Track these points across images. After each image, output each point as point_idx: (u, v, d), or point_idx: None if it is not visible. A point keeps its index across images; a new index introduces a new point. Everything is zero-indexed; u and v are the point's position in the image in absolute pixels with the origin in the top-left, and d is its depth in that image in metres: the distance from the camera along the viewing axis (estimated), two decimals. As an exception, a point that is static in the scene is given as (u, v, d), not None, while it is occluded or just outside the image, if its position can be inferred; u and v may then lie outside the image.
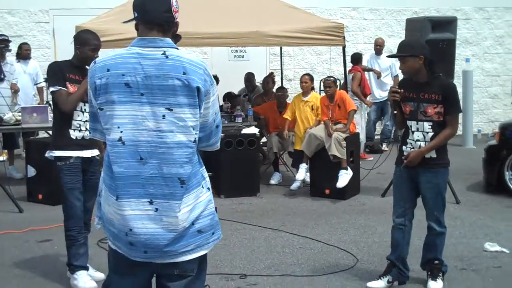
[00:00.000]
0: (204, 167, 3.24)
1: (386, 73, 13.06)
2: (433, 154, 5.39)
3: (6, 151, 11.05)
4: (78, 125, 5.60)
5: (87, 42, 5.56)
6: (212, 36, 9.12)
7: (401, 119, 5.59)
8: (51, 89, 5.59)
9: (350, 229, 7.57)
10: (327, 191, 9.16)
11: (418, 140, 5.41)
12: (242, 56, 14.53)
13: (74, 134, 5.59)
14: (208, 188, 3.22)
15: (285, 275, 6.03)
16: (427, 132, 5.38)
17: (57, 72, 5.61)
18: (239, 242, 7.06)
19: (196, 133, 3.10)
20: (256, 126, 10.15)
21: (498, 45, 16.37)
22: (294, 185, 9.54)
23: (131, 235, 3.09)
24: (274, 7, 10.50)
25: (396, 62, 13.35)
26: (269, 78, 11.86)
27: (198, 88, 3.04)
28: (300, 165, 9.60)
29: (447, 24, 9.01)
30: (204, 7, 9.35)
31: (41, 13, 13.96)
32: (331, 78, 9.73)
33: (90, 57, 5.44)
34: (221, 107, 10.98)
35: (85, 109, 5.58)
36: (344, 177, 8.97)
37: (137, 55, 3.09)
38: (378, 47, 13.25)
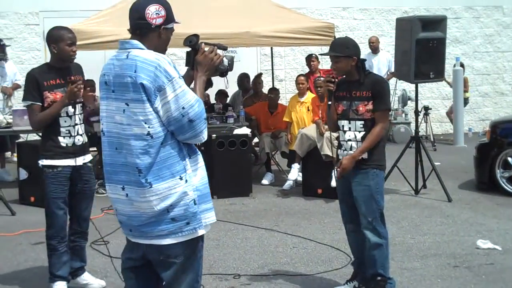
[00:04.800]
0: (187, 160, 3.49)
1: (386, 71, 13.11)
2: (364, 155, 5.12)
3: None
4: (67, 131, 5.34)
5: (61, 38, 5.26)
6: (203, 37, 9.08)
7: (334, 118, 5.34)
8: (23, 103, 5.35)
9: (343, 228, 7.54)
10: (319, 191, 9.17)
11: (349, 140, 5.20)
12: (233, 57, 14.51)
13: (64, 141, 5.33)
14: (187, 181, 3.45)
15: (279, 274, 6.04)
16: (359, 132, 5.16)
17: (29, 84, 5.30)
18: (232, 242, 7.06)
19: (149, 127, 3.36)
20: (248, 127, 10.15)
21: (488, 44, 16.44)
22: (287, 185, 9.56)
23: (118, 215, 3.65)
24: (265, 8, 10.51)
25: (393, 59, 13.46)
26: (259, 79, 11.88)
27: (142, 85, 3.32)
28: (292, 165, 9.62)
29: (437, 23, 9.06)
30: (194, 8, 9.33)
31: (31, 15, 13.95)
32: (322, 78, 9.74)
33: (69, 53, 5.30)
34: (212, 107, 10.98)
35: (73, 112, 5.37)
36: (337, 176, 8.97)
37: (113, 57, 3.53)
38: (372, 44, 13.31)
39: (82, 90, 5.38)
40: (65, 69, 5.40)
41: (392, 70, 13.20)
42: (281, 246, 6.96)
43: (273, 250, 6.80)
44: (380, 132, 5.11)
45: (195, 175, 3.53)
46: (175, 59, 12.50)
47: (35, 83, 5.28)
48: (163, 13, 3.50)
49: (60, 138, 5.33)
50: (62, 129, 5.33)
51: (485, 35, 16.43)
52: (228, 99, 12.02)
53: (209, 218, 3.59)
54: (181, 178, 3.44)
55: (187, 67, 3.76)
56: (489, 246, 6.68)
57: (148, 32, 3.49)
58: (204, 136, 3.49)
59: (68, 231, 5.62)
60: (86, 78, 5.77)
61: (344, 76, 5.29)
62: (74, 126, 5.37)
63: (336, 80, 5.27)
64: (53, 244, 5.42)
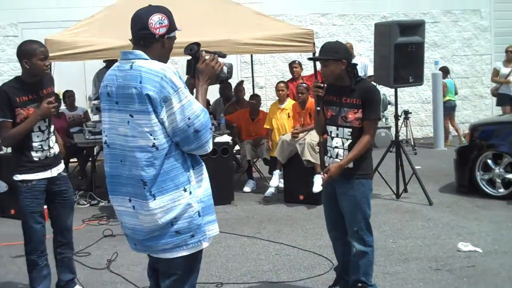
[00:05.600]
0: (191, 171, 3.46)
1: (361, 75, 13.12)
2: (350, 165, 5.04)
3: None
4: (39, 146, 5.24)
5: (34, 53, 5.10)
6: (182, 45, 9.11)
7: (322, 122, 5.30)
8: None
9: (325, 234, 7.51)
10: (301, 197, 9.19)
11: (336, 147, 5.11)
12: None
13: (37, 155, 5.23)
14: (191, 193, 3.43)
15: (262, 282, 6.05)
16: (346, 139, 5.06)
17: (0, 101, 5.12)
18: (214, 250, 7.05)
19: (154, 138, 3.32)
20: (229, 134, 10.15)
21: (466, 47, 16.56)
22: (268, 192, 9.56)
23: (123, 228, 3.62)
24: (244, 15, 10.52)
25: (368, 64, 13.51)
26: (240, 87, 11.89)
27: (148, 96, 3.28)
28: (274, 172, 9.63)
29: (415, 27, 9.13)
30: (174, 16, 9.30)
31: (9, 27, 13.88)
32: (304, 84, 9.79)
33: (42, 67, 5.17)
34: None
35: (46, 127, 5.28)
36: (319, 182, 8.99)
37: (115, 68, 3.49)
38: None
39: (55, 107, 5.28)
40: (37, 83, 5.28)
41: (368, 74, 13.28)
42: (263, 253, 6.96)
43: (255, 258, 6.80)
44: (368, 142, 5.04)
45: (199, 187, 3.52)
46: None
47: (6, 99, 5.11)
48: (166, 22, 3.49)
49: (33, 153, 5.24)
50: (34, 144, 5.23)
51: (463, 39, 16.55)
52: (210, 107, 12.01)
53: (212, 230, 3.59)
54: (185, 190, 3.42)
55: (187, 75, 3.77)
56: (470, 248, 6.73)
57: (152, 42, 3.47)
58: (210, 146, 3.47)
59: (53, 244, 5.58)
60: (66, 89, 5.73)
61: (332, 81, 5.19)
62: (46, 140, 5.29)
63: (324, 85, 5.21)
64: (32, 259, 5.36)
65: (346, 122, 5.06)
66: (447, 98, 14.39)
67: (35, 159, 5.25)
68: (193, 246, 3.48)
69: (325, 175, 5.05)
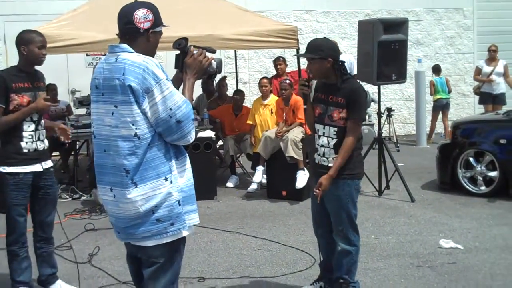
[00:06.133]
0: (173, 161, 3.55)
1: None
2: None
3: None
4: (30, 136, 5.27)
5: (32, 40, 5.25)
6: (166, 40, 9.07)
7: (311, 120, 5.23)
8: None
9: (307, 230, 7.59)
10: (284, 193, 9.20)
11: (323, 146, 5.08)
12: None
13: (26, 146, 5.25)
14: (172, 182, 3.52)
15: (244, 277, 6.05)
16: (332, 138, 5.01)
17: None
18: (197, 245, 7.04)
19: (136, 128, 3.43)
20: (212, 130, 10.14)
21: (449, 46, 16.65)
22: (251, 188, 9.56)
23: (109, 216, 3.73)
24: (228, 11, 10.51)
25: (354, 61, 13.52)
26: (223, 82, 11.88)
27: (130, 87, 3.39)
28: (257, 168, 9.63)
29: (399, 25, 9.16)
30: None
31: (-11, 19, 13.78)
32: (287, 80, 9.80)
33: (38, 55, 5.28)
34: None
35: (38, 117, 5.33)
36: (302, 178, 9.01)
37: (103, 61, 3.60)
38: None
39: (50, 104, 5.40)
40: (33, 73, 5.38)
41: (354, 72, 13.31)
42: (246, 248, 6.96)
43: (238, 253, 6.80)
44: (352, 145, 4.95)
45: (181, 177, 3.61)
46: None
47: (3, 84, 5.19)
48: (150, 17, 3.58)
49: (22, 144, 5.25)
50: (25, 134, 5.26)
51: (446, 37, 16.63)
52: (193, 102, 11.97)
53: (192, 219, 3.67)
54: (166, 179, 3.51)
55: (176, 69, 3.83)
56: (451, 245, 6.77)
57: (137, 36, 3.57)
58: (192, 136, 3.56)
59: (33, 238, 5.58)
60: (48, 82, 5.73)
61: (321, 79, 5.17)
62: (36, 131, 5.32)
63: (310, 83, 5.17)
64: (14, 250, 5.35)
65: (332, 121, 5.02)
66: (438, 96, 14.42)
67: (24, 150, 5.26)
68: (172, 234, 3.57)
69: (318, 190, 4.98)
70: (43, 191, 5.46)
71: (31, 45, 5.25)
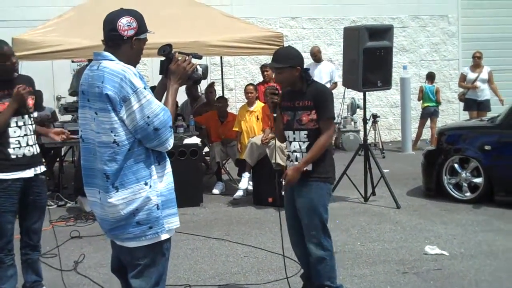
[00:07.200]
0: (153, 166, 3.63)
1: (327, 80, 13.18)
2: (308, 167, 5.01)
3: None
4: (17, 142, 5.21)
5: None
6: (152, 46, 9.06)
7: (280, 128, 5.25)
8: None
9: (294, 236, 7.61)
10: (270, 200, 9.16)
11: (294, 151, 5.09)
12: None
13: (14, 152, 5.18)
14: (151, 186, 3.60)
15: (230, 284, 6.04)
16: (303, 142, 5.04)
17: None
18: (183, 252, 7.03)
19: (115, 135, 3.50)
20: (198, 136, 10.13)
21: (434, 52, 16.74)
22: (237, 194, 9.55)
23: (96, 217, 3.80)
24: (213, 18, 10.53)
25: (336, 70, 13.57)
26: (211, 88, 11.88)
27: (107, 95, 3.46)
28: (243, 174, 9.63)
29: (384, 32, 9.19)
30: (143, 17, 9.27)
31: (-26, 25, 13.70)
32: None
33: (9, 68, 5.23)
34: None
35: (24, 123, 5.27)
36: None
37: (89, 67, 3.67)
38: (315, 57, 13.43)
39: (28, 93, 5.28)
40: (11, 80, 5.29)
41: (335, 80, 13.36)
42: (232, 255, 6.95)
43: (224, 260, 6.79)
44: (325, 142, 4.99)
45: (161, 181, 3.68)
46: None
47: None
48: (134, 25, 3.64)
49: (10, 150, 5.20)
50: (11, 140, 5.21)
51: (432, 44, 16.72)
52: (178, 108, 11.97)
53: (173, 222, 3.74)
54: (146, 184, 3.59)
55: (161, 76, 3.89)
56: (437, 251, 6.79)
57: (121, 43, 3.63)
58: (170, 143, 3.63)
59: (20, 244, 5.53)
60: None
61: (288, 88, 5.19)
62: (23, 137, 5.26)
63: (279, 92, 5.20)
64: (0, 257, 5.29)
65: (301, 125, 5.05)
66: (425, 104, 14.47)
67: (12, 156, 5.20)
68: (151, 237, 3.64)
69: (283, 181, 5.02)
70: (32, 198, 5.40)
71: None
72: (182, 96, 12.32)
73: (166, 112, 3.57)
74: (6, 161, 5.20)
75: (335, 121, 5.93)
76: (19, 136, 5.25)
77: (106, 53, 3.60)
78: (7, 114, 5.18)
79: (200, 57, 3.88)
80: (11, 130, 5.22)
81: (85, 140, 3.69)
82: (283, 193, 5.16)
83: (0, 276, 5.34)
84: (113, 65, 3.53)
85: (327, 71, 13.41)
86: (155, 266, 3.72)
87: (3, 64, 5.20)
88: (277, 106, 5.19)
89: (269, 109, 5.43)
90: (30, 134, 5.36)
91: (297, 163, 5.06)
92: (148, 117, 3.49)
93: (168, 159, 3.76)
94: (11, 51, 5.31)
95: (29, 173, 5.31)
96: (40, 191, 5.46)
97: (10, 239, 5.33)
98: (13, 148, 5.22)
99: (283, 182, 5.07)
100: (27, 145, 5.29)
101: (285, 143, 5.30)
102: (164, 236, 3.69)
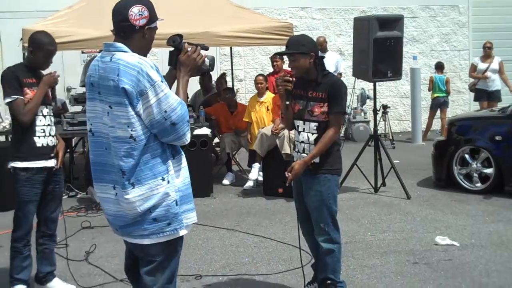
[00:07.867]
0: (170, 161, 3.52)
1: (332, 71, 13.14)
2: (316, 160, 4.96)
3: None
4: (42, 131, 5.30)
5: (40, 47, 5.30)
6: (162, 37, 9.07)
7: (290, 116, 5.19)
8: (7, 99, 5.21)
9: (304, 227, 7.61)
10: (280, 190, 9.17)
11: (302, 142, 5.04)
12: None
13: (39, 141, 5.28)
14: (169, 182, 3.49)
15: (240, 274, 6.05)
16: (312, 133, 4.99)
17: (11, 80, 5.24)
18: (193, 243, 7.05)
19: (132, 130, 3.38)
20: (208, 127, 10.14)
21: (444, 42, 16.68)
22: (247, 185, 9.57)
23: (105, 214, 3.70)
24: (223, 8, 10.51)
25: (341, 60, 13.56)
26: (222, 79, 11.89)
27: (124, 89, 3.33)
28: (253, 165, 9.64)
29: (394, 22, 9.16)
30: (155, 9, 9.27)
31: (-14, 16, 13.75)
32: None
33: (42, 63, 5.36)
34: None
35: (47, 112, 5.36)
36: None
37: (99, 58, 3.53)
38: (320, 46, 13.40)
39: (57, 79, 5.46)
40: (37, 72, 5.44)
41: (340, 71, 13.33)
42: (242, 246, 6.97)
43: (234, 250, 6.81)
44: (333, 136, 4.94)
45: (178, 176, 3.58)
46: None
47: (16, 79, 5.24)
48: (146, 13, 3.52)
49: (36, 138, 5.29)
50: (37, 128, 5.30)
51: (442, 34, 16.66)
52: (189, 99, 11.98)
53: (190, 218, 3.67)
54: (163, 179, 3.48)
55: (169, 67, 3.79)
56: (447, 242, 6.78)
57: (132, 33, 3.51)
58: (187, 138, 3.53)
59: (36, 234, 5.58)
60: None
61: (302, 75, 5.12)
62: (48, 126, 5.36)
63: (293, 79, 5.14)
64: (18, 247, 5.37)
65: (312, 116, 5.00)
66: (435, 95, 14.40)
67: (38, 144, 5.29)
68: (169, 234, 3.55)
69: (290, 174, 4.96)
70: (51, 187, 5.49)
71: (38, 52, 5.33)
72: (193, 87, 12.36)
73: (183, 106, 3.45)
74: (31, 149, 5.28)
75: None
76: (44, 125, 5.35)
77: (119, 44, 3.47)
78: (40, 98, 5.27)
79: (207, 48, 3.77)
80: (36, 119, 5.31)
81: (95, 134, 3.56)
82: (286, 184, 5.17)
83: (16, 266, 5.41)
84: (128, 57, 3.40)
85: (333, 62, 13.37)
86: (169, 263, 3.63)
87: (48, 60, 5.37)
88: (289, 94, 5.15)
89: (280, 97, 5.38)
90: (52, 125, 5.46)
91: (304, 154, 5.03)
92: (166, 111, 3.38)
93: (183, 153, 3.66)
94: (56, 50, 5.45)
95: (51, 162, 5.40)
96: (58, 180, 5.56)
97: (30, 230, 5.43)
98: (39, 137, 5.32)
99: (288, 175, 4.98)
100: (50, 135, 5.38)
101: (293, 131, 5.27)
102: (182, 232, 3.60)
